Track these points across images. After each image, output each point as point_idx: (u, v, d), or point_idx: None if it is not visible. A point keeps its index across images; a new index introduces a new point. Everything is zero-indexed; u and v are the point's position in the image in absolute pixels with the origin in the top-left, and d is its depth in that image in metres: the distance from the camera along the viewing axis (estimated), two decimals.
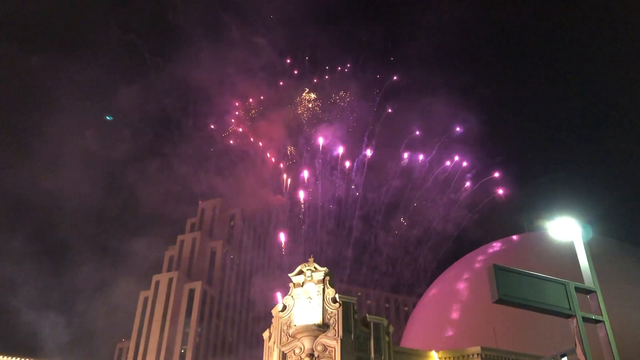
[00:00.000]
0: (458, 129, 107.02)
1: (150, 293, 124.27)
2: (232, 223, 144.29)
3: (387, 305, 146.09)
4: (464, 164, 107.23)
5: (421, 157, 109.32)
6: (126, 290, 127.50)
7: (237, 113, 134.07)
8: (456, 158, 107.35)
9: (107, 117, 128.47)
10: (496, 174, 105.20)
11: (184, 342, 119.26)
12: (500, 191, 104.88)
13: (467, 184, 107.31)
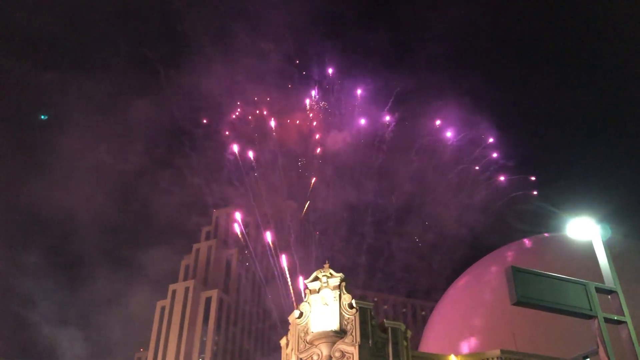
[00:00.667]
0: (491, 139, 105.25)
1: (167, 302, 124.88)
2: (246, 230, 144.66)
3: (404, 310, 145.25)
4: (494, 155, 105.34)
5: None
6: (143, 300, 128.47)
7: (249, 119, 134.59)
8: (490, 140, 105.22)
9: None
10: (532, 178, 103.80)
11: (202, 350, 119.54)
12: (535, 192, 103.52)
13: (501, 178, 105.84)
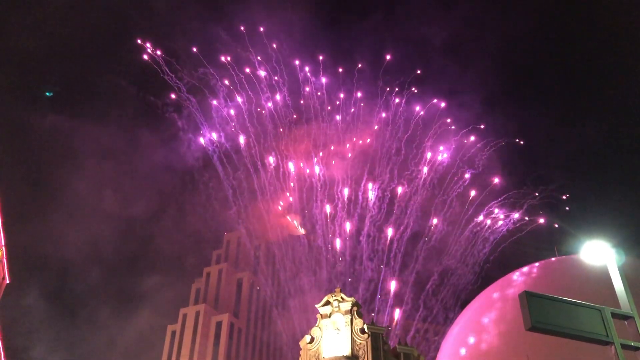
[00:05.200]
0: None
1: (177, 327, 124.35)
2: (257, 254, 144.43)
3: (416, 335, 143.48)
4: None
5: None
6: (155, 325, 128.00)
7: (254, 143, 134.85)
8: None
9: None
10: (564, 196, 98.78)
11: None
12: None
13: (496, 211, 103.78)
